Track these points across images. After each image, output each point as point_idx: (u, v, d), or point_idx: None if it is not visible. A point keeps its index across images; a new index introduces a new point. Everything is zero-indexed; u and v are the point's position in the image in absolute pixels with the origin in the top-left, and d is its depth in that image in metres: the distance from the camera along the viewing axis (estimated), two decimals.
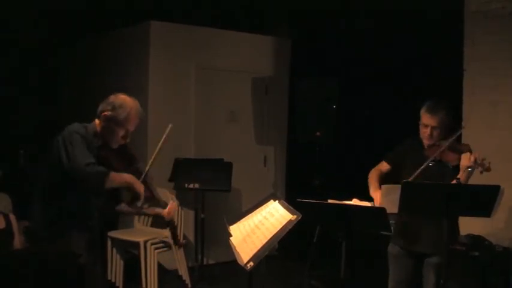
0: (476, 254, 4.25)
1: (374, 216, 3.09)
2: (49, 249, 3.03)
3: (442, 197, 3.04)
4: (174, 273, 5.35)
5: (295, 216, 2.51)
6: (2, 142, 6.04)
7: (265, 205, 2.87)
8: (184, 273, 5.25)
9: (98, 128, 3.02)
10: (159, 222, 4.83)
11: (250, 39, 6.40)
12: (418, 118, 3.46)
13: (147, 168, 3.08)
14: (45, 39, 6.60)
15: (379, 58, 5.47)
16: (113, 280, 5.09)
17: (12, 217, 4.79)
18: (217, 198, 5.54)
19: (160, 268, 5.25)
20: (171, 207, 3.26)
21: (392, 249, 3.58)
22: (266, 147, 6.59)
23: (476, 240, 4.38)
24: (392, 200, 3.13)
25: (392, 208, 3.09)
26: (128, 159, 3.09)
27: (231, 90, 6.30)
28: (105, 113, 2.99)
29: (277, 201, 2.82)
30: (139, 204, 3.06)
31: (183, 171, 5.30)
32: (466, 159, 3.16)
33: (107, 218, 3.31)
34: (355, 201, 3.20)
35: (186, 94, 6.02)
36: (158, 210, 3.23)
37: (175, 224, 3.37)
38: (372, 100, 5.59)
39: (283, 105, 6.65)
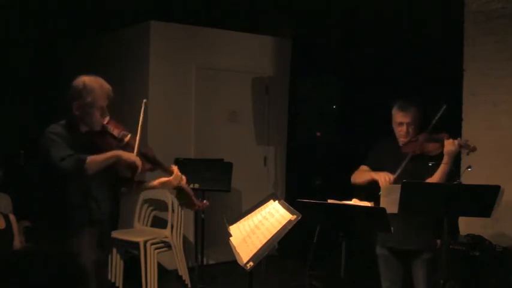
0: (476, 254, 4.25)
1: (374, 217, 3.09)
2: (49, 249, 3.03)
3: (442, 197, 3.05)
4: (174, 273, 5.35)
5: (295, 216, 2.51)
6: (2, 142, 6.04)
7: (265, 205, 2.87)
8: (184, 273, 5.25)
9: (74, 119, 3.04)
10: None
11: (250, 39, 6.40)
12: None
13: (137, 141, 3.05)
14: (45, 39, 6.60)
15: (379, 58, 5.47)
16: (113, 280, 5.09)
17: (12, 217, 4.80)
18: (217, 198, 5.53)
19: (160, 268, 5.26)
20: (175, 170, 3.18)
21: (381, 251, 3.62)
22: (266, 147, 6.59)
23: (476, 240, 4.38)
24: (392, 200, 3.14)
25: (392, 208, 3.09)
26: (114, 137, 3.08)
27: (231, 90, 6.30)
28: (74, 102, 3.01)
29: (277, 201, 2.82)
30: (139, 174, 3.02)
31: (183, 171, 5.26)
32: (450, 144, 3.29)
33: (113, 215, 3.23)
34: (355, 201, 3.20)
35: (186, 94, 6.01)
36: (162, 179, 3.16)
37: (186, 186, 3.21)
38: (371, 100, 5.58)
39: (283, 105, 6.65)
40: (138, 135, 3.07)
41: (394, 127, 3.54)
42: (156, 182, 3.16)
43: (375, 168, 3.60)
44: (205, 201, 3.27)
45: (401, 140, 3.52)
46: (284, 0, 6.22)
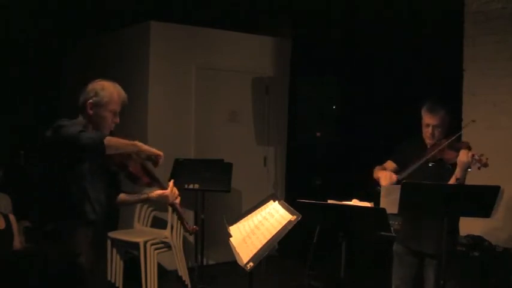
0: (476, 254, 4.25)
1: (374, 217, 3.09)
2: (49, 249, 3.03)
3: (442, 197, 3.05)
4: (174, 273, 5.35)
5: (294, 217, 2.50)
6: (2, 142, 6.04)
7: (265, 205, 2.87)
8: (184, 273, 5.25)
9: (86, 119, 3.02)
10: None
11: (250, 40, 6.40)
12: (418, 117, 3.49)
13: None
14: (45, 39, 6.60)
15: (379, 58, 5.47)
16: (113, 280, 5.09)
17: (12, 217, 4.80)
18: (217, 198, 5.54)
19: (160, 268, 5.26)
20: (172, 186, 3.19)
21: (398, 248, 3.61)
22: (266, 148, 6.59)
23: (476, 241, 4.38)
24: (393, 200, 3.13)
25: (392, 208, 3.09)
26: None
27: (231, 91, 6.30)
28: (90, 100, 2.99)
29: (277, 201, 2.82)
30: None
31: (183, 171, 5.29)
32: (464, 155, 3.20)
33: (109, 215, 3.24)
34: (355, 202, 3.20)
35: (186, 94, 6.02)
36: (160, 191, 3.15)
37: (180, 207, 3.22)
38: (371, 100, 5.58)
39: (283, 105, 6.65)
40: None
41: (422, 127, 3.50)
42: (154, 194, 3.17)
43: (400, 164, 3.57)
44: (195, 226, 3.32)
45: (427, 142, 3.48)
46: (284, 0, 6.22)
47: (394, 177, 3.42)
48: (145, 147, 2.95)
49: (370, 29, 5.50)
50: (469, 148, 3.25)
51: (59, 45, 6.85)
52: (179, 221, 3.29)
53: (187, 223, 3.25)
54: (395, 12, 5.24)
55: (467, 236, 4.44)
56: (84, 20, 6.31)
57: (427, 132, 3.46)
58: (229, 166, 5.29)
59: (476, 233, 4.45)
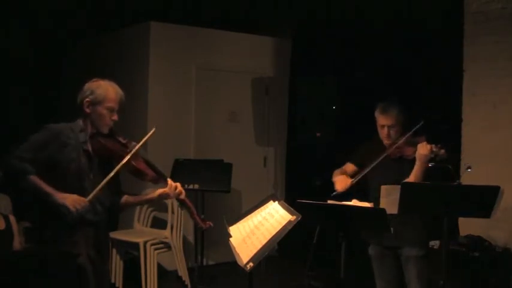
0: (476, 254, 4.25)
1: (373, 217, 3.09)
2: (49, 249, 3.02)
3: (442, 198, 3.05)
4: (174, 273, 5.35)
5: (294, 217, 2.50)
6: (1, 143, 6.03)
7: (264, 206, 2.87)
8: (184, 274, 5.25)
9: (84, 118, 3.03)
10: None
11: (250, 40, 6.40)
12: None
13: (132, 151, 3.00)
14: (45, 39, 6.59)
15: (379, 58, 5.47)
16: (113, 281, 5.09)
17: (12, 218, 4.79)
18: (217, 199, 5.53)
19: (160, 269, 5.26)
20: (171, 183, 3.14)
21: (373, 251, 3.64)
22: (266, 148, 6.59)
23: (476, 241, 4.37)
24: (392, 200, 3.14)
25: (392, 209, 3.09)
26: (120, 142, 3.08)
27: (231, 91, 6.30)
28: (87, 99, 3.00)
29: (276, 202, 2.82)
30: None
31: (182, 171, 5.28)
32: (422, 148, 3.29)
33: (111, 215, 3.22)
34: (354, 202, 3.20)
35: (186, 94, 6.01)
36: (160, 190, 3.11)
37: (188, 201, 3.12)
38: (371, 100, 5.57)
39: (283, 106, 6.65)
40: (136, 147, 3.04)
41: (378, 129, 3.59)
42: (155, 193, 3.14)
43: (359, 166, 3.64)
44: (209, 222, 3.18)
45: (385, 142, 3.56)
46: (284, 0, 6.22)
47: (349, 181, 3.52)
48: (57, 198, 2.86)
49: (370, 29, 5.50)
50: (427, 141, 3.30)
51: (59, 45, 6.85)
52: (191, 215, 3.15)
53: (200, 218, 3.15)
54: (395, 12, 5.24)
55: (467, 236, 4.44)
56: (84, 20, 6.31)
57: (383, 133, 3.55)
58: (229, 166, 5.29)
59: (476, 233, 4.45)
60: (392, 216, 3.09)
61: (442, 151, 3.25)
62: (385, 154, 3.47)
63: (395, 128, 3.50)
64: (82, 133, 3.03)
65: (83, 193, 2.93)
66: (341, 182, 3.54)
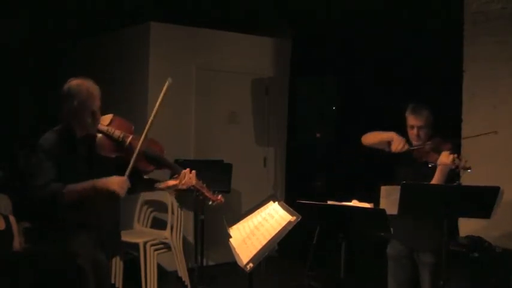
0: (476, 255, 4.24)
1: (374, 218, 3.09)
2: (49, 250, 3.02)
3: (442, 198, 3.05)
4: (174, 274, 5.35)
5: (294, 218, 2.50)
6: (1, 143, 6.03)
7: (264, 206, 2.87)
8: (184, 274, 5.25)
9: (72, 124, 3.00)
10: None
11: (250, 40, 6.40)
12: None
13: (141, 140, 3.00)
14: (45, 40, 6.59)
15: (379, 58, 5.46)
16: (113, 281, 5.08)
17: (12, 218, 4.79)
18: None
19: (160, 269, 5.25)
20: (184, 173, 3.10)
21: (392, 250, 3.61)
22: (266, 148, 6.59)
23: (476, 242, 4.37)
24: (392, 201, 3.13)
25: (392, 209, 3.09)
26: (114, 139, 3.06)
27: (231, 91, 6.30)
28: (64, 107, 2.98)
29: (276, 202, 2.82)
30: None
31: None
32: (444, 157, 3.25)
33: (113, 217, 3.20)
34: (354, 203, 3.20)
35: (186, 95, 6.01)
36: (170, 182, 3.12)
37: (198, 185, 3.12)
38: (371, 100, 5.58)
39: (283, 106, 6.64)
40: (144, 132, 3.03)
41: (408, 129, 3.55)
42: (163, 185, 3.14)
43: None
44: (219, 196, 3.20)
45: (414, 144, 3.52)
46: (284, 1, 6.22)
47: (406, 146, 3.46)
48: (99, 184, 2.86)
49: (370, 29, 5.50)
50: (451, 150, 3.27)
51: (59, 45, 6.85)
52: (201, 197, 3.18)
53: (211, 194, 3.17)
54: (395, 12, 5.24)
55: (467, 236, 4.44)
56: (84, 20, 6.31)
57: (412, 133, 3.51)
58: (229, 166, 5.29)
59: (476, 233, 4.44)
60: (409, 219, 3.06)
61: (464, 162, 3.21)
62: (420, 160, 3.43)
63: (425, 130, 3.48)
64: (70, 136, 3.00)
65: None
66: (397, 141, 3.46)
